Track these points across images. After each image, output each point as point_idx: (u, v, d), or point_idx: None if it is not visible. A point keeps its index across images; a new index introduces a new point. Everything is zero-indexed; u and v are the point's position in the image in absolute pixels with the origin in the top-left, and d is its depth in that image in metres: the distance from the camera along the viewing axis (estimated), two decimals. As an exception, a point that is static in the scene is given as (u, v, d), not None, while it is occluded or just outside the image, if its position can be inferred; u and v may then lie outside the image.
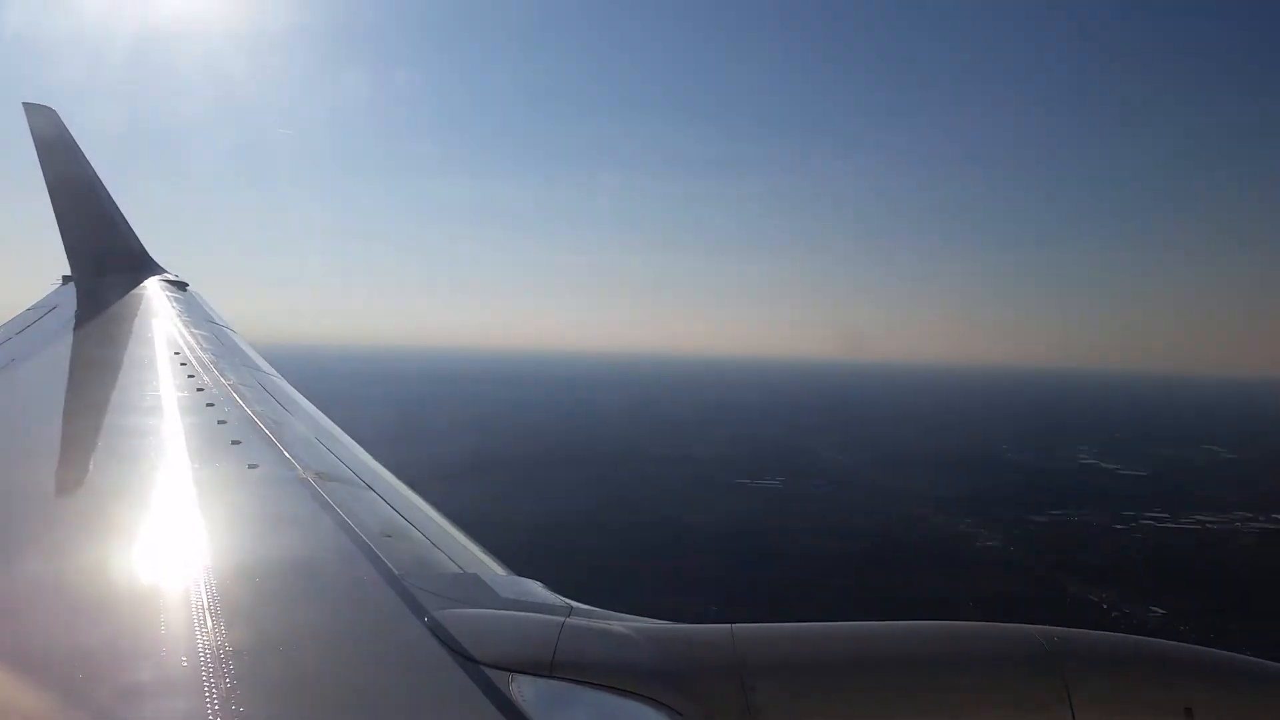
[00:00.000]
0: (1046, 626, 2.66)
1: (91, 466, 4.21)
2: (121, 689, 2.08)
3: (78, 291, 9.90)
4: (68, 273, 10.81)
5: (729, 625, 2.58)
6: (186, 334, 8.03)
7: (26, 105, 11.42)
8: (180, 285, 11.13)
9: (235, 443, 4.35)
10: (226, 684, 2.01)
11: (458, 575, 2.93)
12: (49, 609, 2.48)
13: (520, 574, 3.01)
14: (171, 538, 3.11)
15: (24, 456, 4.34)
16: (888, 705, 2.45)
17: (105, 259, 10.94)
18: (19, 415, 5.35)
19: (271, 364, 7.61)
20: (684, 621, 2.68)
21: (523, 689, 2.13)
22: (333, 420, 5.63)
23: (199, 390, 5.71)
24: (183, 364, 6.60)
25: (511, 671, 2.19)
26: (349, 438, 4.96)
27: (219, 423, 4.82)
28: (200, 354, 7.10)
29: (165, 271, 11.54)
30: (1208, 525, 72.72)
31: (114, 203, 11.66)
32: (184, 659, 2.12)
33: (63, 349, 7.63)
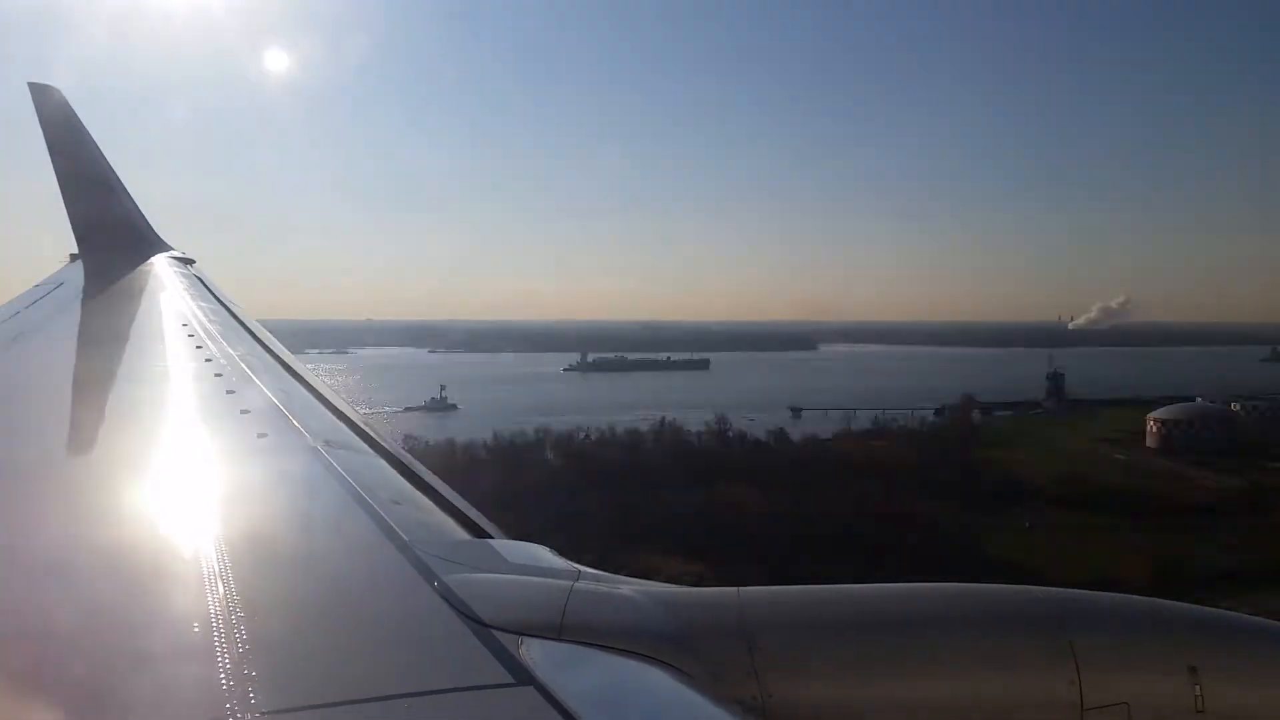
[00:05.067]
0: (1051, 588, 2.68)
1: (101, 436, 4.25)
2: (134, 653, 2.11)
3: (85, 269, 9.94)
4: (75, 251, 10.84)
5: (735, 588, 2.60)
6: (194, 307, 8.08)
7: (32, 85, 11.40)
8: (186, 261, 11.17)
9: (244, 412, 4.38)
10: (239, 649, 2.03)
11: (466, 541, 2.95)
12: (62, 574, 2.51)
13: (528, 540, 3.02)
14: (183, 505, 3.14)
15: (36, 426, 4.39)
16: (892, 666, 2.47)
17: (112, 237, 10.96)
18: (30, 387, 5.41)
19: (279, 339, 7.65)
20: (691, 585, 2.71)
21: (532, 651, 2.15)
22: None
23: (207, 361, 5.75)
24: (190, 335, 6.66)
25: (521, 635, 2.21)
26: (354, 408, 4.99)
27: (228, 392, 4.84)
28: (208, 326, 7.15)
29: (171, 249, 11.58)
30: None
31: (120, 181, 11.68)
32: (196, 624, 2.15)
33: (71, 322, 7.69)
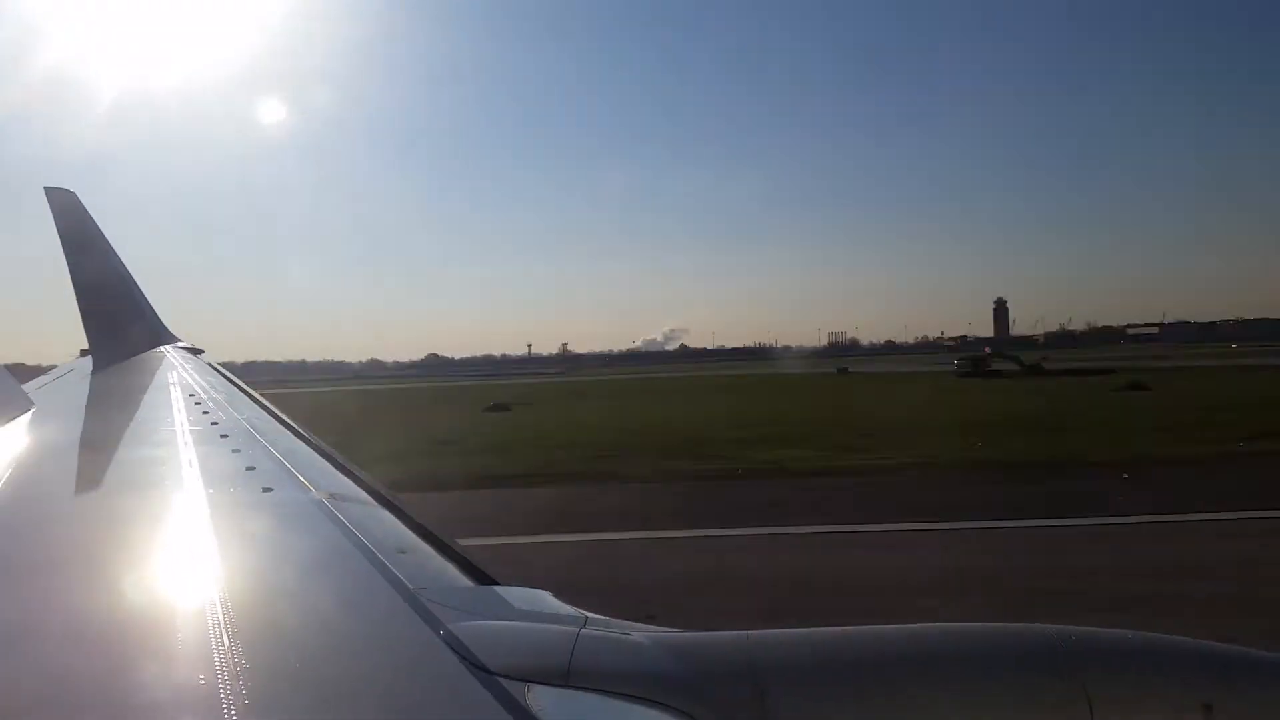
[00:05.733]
0: (1063, 626, 2.65)
1: (109, 493, 4.30)
2: (141, 706, 2.09)
3: (95, 360, 10.19)
4: (85, 347, 11.08)
5: (744, 631, 2.58)
6: (201, 381, 8.28)
7: (48, 189, 11.89)
8: (195, 351, 11.42)
9: (250, 469, 4.46)
10: (245, 701, 2.02)
11: (471, 588, 2.94)
12: (70, 628, 2.51)
13: (533, 586, 3.01)
14: (189, 559, 3.15)
15: (44, 485, 4.45)
16: (903, 708, 2.43)
17: (123, 333, 11.25)
18: (38, 447, 5.49)
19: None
20: (701, 630, 2.68)
21: (539, 699, 2.13)
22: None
23: (213, 424, 5.92)
24: (197, 403, 6.88)
25: (528, 681, 2.19)
26: (357, 466, 5.04)
27: (233, 451, 4.94)
28: (215, 395, 7.39)
29: (180, 340, 11.85)
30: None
31: (134, 281, 12.09)
32: (202, 676, 2.14)
33: (80, 396, 7.88)
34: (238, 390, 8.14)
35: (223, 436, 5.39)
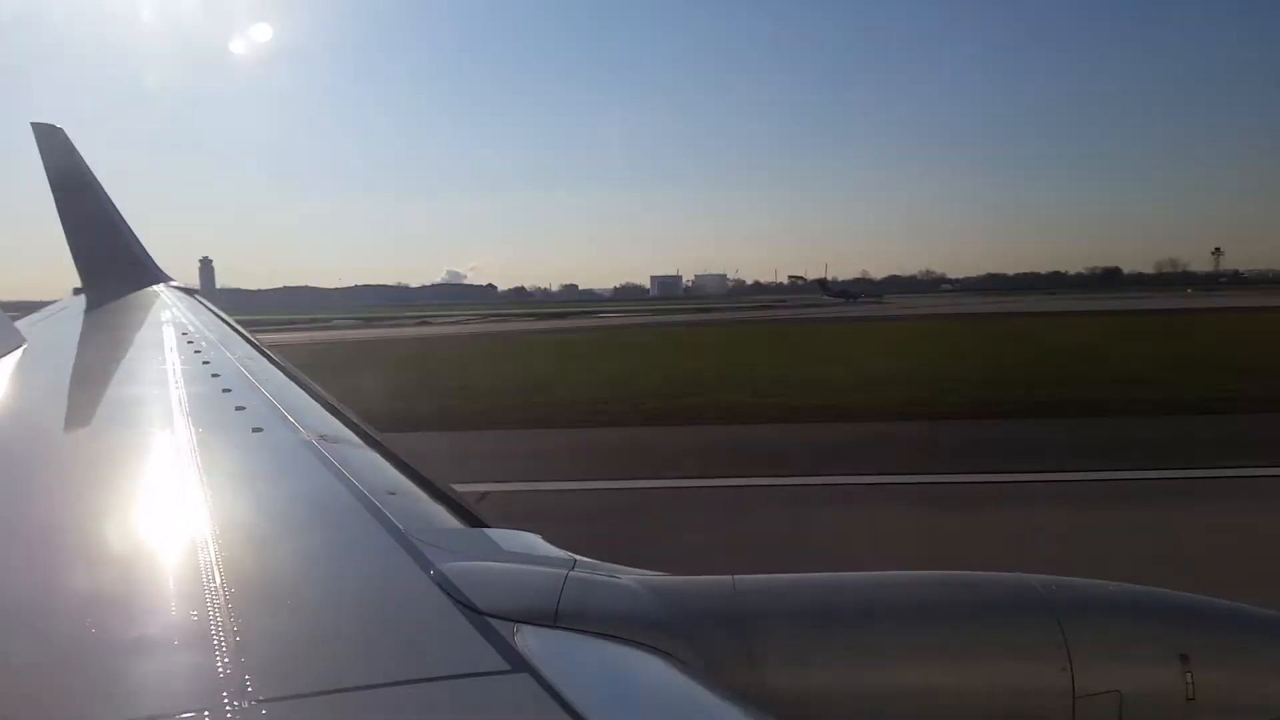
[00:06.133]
0: (1045, 575, 2.69)
1: (100, 429, 4.31)
2: (132, 640, 2.11)
3: (89, 300, 10.15)
4: (78, 285, 11.04)
5: (730, 576, 2.62)
6: (194, 320, 8.29)
7: (35, 125, 11.67)
8: (189, 291, 11.38)
9: (240, 409, 4.45)
10: (236, 638, 2.03)
11: (461, 530, 2.96)
12: (58, 563, 2.53)
13: (521, 529, 3.04)
14: (177, 498, 3.16)
15: (33, 422, 4.46)
16: (885, 652, 2.48)
17: (115, 272, 11.19)
18: (29, 384, 5.52)
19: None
20: (688, 574, 2.71)
21: (527, 638, 2.15)
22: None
23: (205, 363, 5.90)
24: (190, 342, 6.87)
25: (516, 622, 2.21)
26: (348, 407, 5.04)
27: (224, 391, 4.93)
28: (208, 335, 7.38)
29: (172, 280, 11.79)
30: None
31: (122, 218, 11.96)
32: (194, 612, 2.15)
33: (72, 332, 7.87)
34: (231, 330, 8.14)
35: (214, 376, 5.38)
